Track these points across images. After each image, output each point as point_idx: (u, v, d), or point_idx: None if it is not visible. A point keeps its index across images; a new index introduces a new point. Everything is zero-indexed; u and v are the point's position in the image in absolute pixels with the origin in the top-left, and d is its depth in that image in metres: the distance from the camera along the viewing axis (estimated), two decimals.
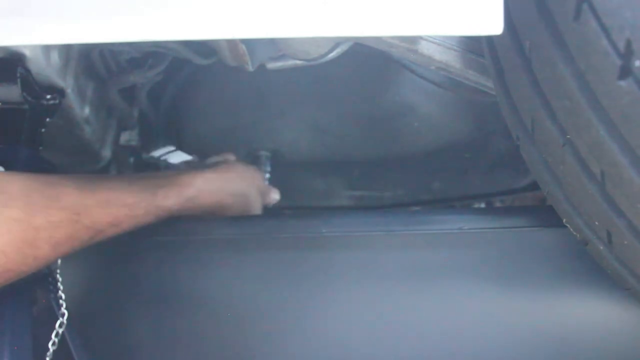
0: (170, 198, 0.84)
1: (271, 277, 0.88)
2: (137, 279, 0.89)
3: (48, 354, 0.76)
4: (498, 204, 1.46)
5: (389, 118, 1.21)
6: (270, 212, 1.15)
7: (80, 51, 0.93)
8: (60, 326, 0.78)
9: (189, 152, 1.25)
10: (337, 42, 0.83)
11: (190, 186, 0.87)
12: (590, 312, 0.85)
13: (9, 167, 0.78)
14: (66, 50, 0.87)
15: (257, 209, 1.01)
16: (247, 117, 1.23)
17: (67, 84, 0.88)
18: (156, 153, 1.15)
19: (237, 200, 0.96)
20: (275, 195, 1.10)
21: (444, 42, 0.84)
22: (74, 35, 0.55)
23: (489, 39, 0.76)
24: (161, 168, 1.16)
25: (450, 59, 0.85)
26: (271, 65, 0.91)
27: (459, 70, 0.86)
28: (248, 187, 0.99)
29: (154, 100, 1.21)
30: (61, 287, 0.81)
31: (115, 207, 0.76)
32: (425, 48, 0.83)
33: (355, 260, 0.88)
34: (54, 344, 0.77)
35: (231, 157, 1.06)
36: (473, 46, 0.85)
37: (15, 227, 0.65)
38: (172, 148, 1.16)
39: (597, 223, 0.70)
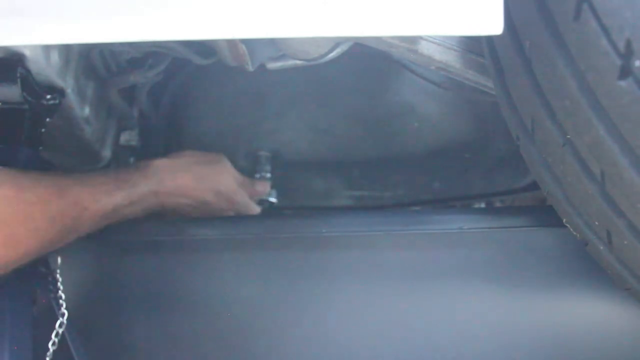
0: (133, 174, 0.93)
1: (271, 277, 0.88)
2: (137, 279, 0.89)
3: (48, 354, 0.76)
4: (498, 204, 1.46)
5: (389, 118, 1.21)
6: (270, 212, 1.15)
7: (80, 51, 0.92)
8: (60, 326, 0.78)
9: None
10: (337, 42, 0.83)
11: (150, 165, 0.96)
12: (590, 312, 0.85)
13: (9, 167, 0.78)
14: (66, 50, 0.87)
15: (228, 192, 1.05)
16: (247, 117, 1.23)
17: (67, 84, 0.88)
18: None
19: (205, 185, 1.01)
20: (261, 188, 1.12)
21: (444, 42, 0.83)
22: (74, 35, 0.55)
23: (489, 39, 0.76)
24: None
25: (450, 59, 0.85)
26: (271, 65, 0.91)
27: (459, 70, 0.86)
28: (209, 169, 1.04)
29: (154, 100, 1.21)
30: (61, 287, 0.81)
31: (91, 184, 0.86)
32: (425, 48, 0.83)
33: (355, 260, 0.88)
34: (54, 344, 0.77)
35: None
36: (473, 46, 0.85)
37: (10, 202, 0.74)
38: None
39: (597, 223, 0.70)
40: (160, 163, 0.97)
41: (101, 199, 0.85)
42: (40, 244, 0.77)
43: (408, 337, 0.86)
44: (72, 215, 0.80)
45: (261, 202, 1.18)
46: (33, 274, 0.79)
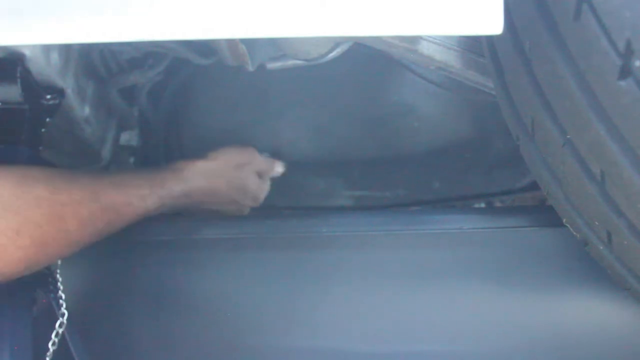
0: (168, 178, 0.93)
1: (271, 277, 0.88)
2: (137, 279, 0.89)
3: (48, 354, 0.76)
4: (498, 204, 1.46)
5: (389, 118, 1.21)
6: (270, 212, 1.15)
7: (80, 51, 0.92)
8: (60, 326, 0.78)
9: (188, 153, 1.25)
10: (337, 42, 0.83)
11: (185, 168, 0.97)
12: (590, 312, 0.85)
13: None
14: (66, 50, 0.87)
15: (256, 190, 1.08)
16: (247, 117, 1.23)
17: (67, 84, 0.88)
18: None
19: (236, 188, 1.04)
20: (278, 168, 1.14)
21: (444, 42, 0.84)
22: (74, 35, 0.55)
23: (489, 39, 0.76)
24: None
25: (450, 59, 0.85)
26: (271, 65, 0.91)
27: (459, 70, 0.86)
28: (241, 171, 1.06)
29: (154, 100, 1.21)
30: (61, 287, 0.81)
31: (125, 187, 0.86)
32: (425, 48, 0.83)
33: (355, 260, 0.88)
34: (54, 344, 0.77)
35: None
36: (473, 46, 0.85)
37: (43, 203, 0.74)
38: None
39: (597, 223, 0.70)
40: (196, 166, 0.98)
41: (134, 202, 0.86)
42: (70, 245, 0.77)
43: (408, 337, 0.86)
44: (104, 219, 0.81)
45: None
46: (33, 274, 0.79)
